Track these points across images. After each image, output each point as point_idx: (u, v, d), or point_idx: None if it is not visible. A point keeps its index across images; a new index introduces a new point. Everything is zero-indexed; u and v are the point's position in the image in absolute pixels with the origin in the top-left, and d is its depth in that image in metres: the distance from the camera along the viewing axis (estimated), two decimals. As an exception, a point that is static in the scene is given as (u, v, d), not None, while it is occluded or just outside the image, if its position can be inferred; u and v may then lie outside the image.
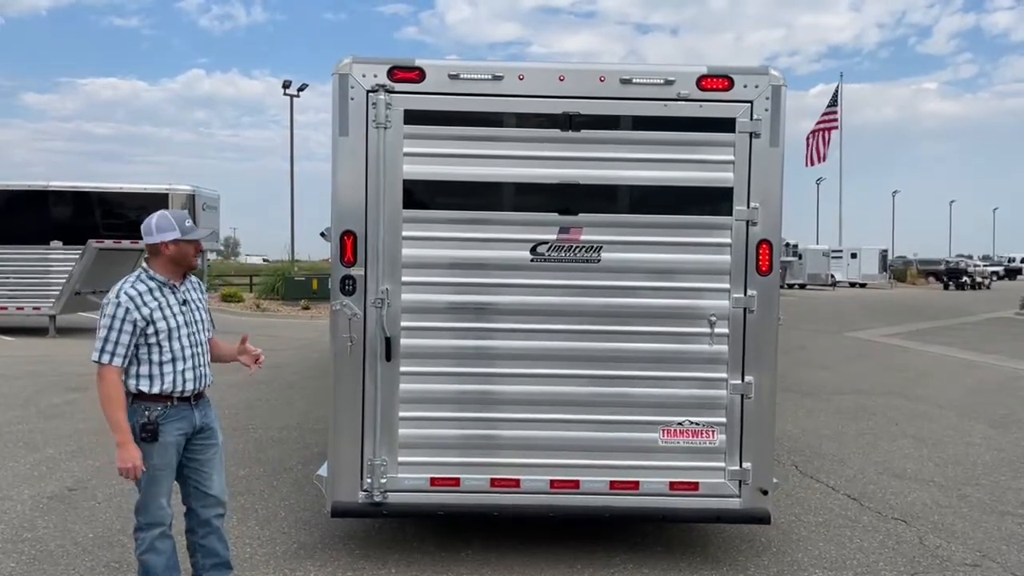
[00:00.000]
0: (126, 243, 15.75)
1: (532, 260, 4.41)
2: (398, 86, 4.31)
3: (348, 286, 4.36)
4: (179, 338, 3.51)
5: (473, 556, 4.64)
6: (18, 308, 16.12)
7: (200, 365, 3.61)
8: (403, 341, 4.40)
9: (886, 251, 51.25)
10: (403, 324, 4.39)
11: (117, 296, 3.41)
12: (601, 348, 4.45)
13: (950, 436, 8.13)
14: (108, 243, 15.95)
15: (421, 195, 4.41)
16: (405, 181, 4.36)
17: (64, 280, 16.02)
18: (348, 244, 4.35)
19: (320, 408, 8.51)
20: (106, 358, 3.37)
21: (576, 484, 4.44)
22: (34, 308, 16.20)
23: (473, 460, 4.44)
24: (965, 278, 47.21)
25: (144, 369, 3.46)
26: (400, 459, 4.42)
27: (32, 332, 16.62)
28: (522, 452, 4.44)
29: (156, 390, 3.46)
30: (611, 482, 4.43)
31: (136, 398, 3.47)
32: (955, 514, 5.62)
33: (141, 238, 3.58)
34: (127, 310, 3.38)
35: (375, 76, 4.31)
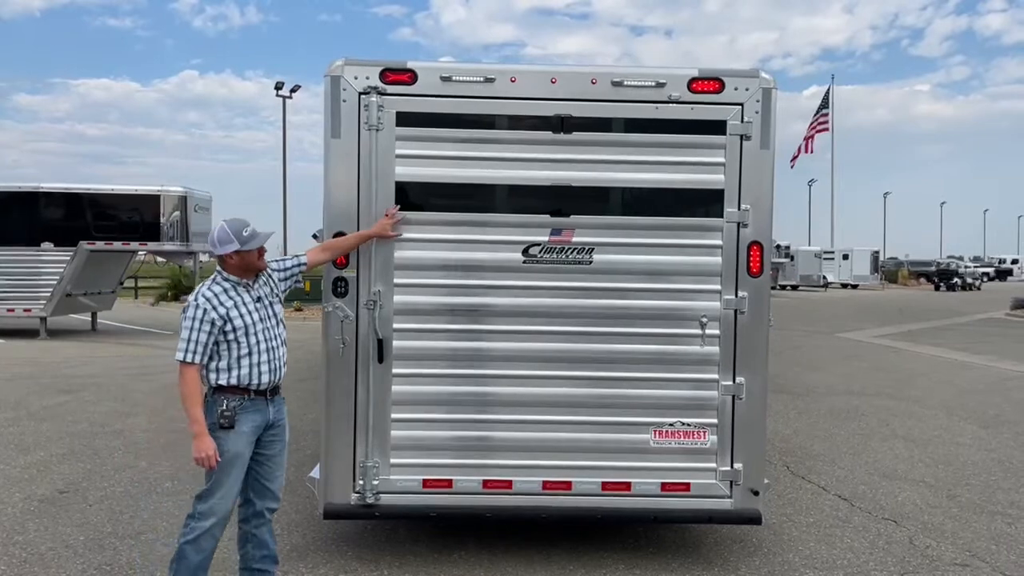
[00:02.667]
0: (117, 244, 15.63)
1: (524, 262, 4.42)
2: (390, 88, 4.32)
3: (340, 288, 4.36)
4: (255, 333, 3.69)
5: (466, 558, 4.64)
6: (9, 310, 16.03)
7: (275, 359, 3.77)
8: (395, 343, 4.40)
9: (878, 252, 51.44)
10: (395, 326, 4.40)
11: (195, 298, 3.63)
12: (593, 349, 4.46)
13: (940, 436, 8.18)
14: (99, 244, 15.83)
15: (413, 197, 4.41)
16: (397, 183, 4.37)
17: (55, 282, 15.93)
18: (340, 246, 4.34)
19: (312, 410, 8.49)
20: (188, 356, 3.57)
21: (568, 485, 4.45)
22: (25, 310, 16.10)
23: (465, 462, 4.45)
24: (956, 279, 47.49)
25: (223, 363, 3.64)
26: (392, 461, 4.42)
27: (23, 334, 16.54)
28: (514, 454, 4.45)
29: (234, 382, 3.63)
30: (603, 483, 4.45)
31: (216, 391, 3.65)
32: (945, 514, 5.65)
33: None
34: (204, 311, 3.59)
35: (367, 78, 4.31)
